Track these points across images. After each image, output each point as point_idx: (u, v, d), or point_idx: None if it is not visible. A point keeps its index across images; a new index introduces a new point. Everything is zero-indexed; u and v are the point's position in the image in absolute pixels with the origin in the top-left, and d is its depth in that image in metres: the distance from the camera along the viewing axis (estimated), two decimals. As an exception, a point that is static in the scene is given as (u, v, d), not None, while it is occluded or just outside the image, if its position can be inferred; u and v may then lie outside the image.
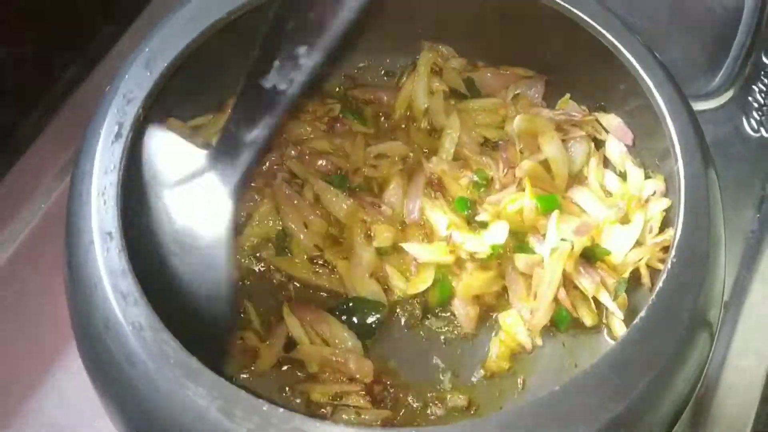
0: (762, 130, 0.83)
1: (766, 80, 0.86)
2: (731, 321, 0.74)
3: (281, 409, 0.49)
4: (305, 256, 0.72)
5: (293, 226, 0.72)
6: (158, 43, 0.60)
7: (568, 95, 0.76)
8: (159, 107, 0.60)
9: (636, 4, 0.89)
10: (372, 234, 0.71)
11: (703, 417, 0.70)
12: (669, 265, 0.56)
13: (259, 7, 0.63)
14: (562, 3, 0.66)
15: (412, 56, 0.80)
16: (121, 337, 0.51)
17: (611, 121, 0.74)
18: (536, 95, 0.79)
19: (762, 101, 0.85)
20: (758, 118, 0.84)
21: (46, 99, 0.82)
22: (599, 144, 0.75)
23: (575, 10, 0.66)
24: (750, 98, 0.85)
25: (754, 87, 0.86)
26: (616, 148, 0.74)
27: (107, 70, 0.83)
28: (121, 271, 0.53)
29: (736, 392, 0.67)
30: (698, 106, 0.82)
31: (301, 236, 0.71)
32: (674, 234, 0.57)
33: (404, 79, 0.80)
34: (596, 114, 0.75)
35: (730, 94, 0.85)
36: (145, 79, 0.59)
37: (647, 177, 0.71)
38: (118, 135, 0.57)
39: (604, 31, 0.64)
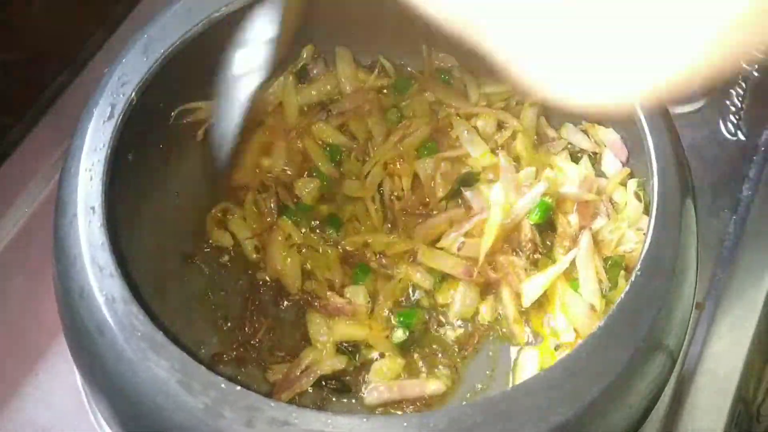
0: (739, 133, 0.84)
1: (743, 84, 0.87)
2: (706, 322, 0.74)
3: (238, 387, 0.51)
4: None
5: None
6: (157, 30, 0.63)
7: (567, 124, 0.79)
8: (152, 92, 0.62)
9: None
10: None
11: (676, 417, 0.71)
12: (633, 278, 0.57)
13: (258, 2, 0.65)
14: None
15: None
16: (93, 307, 0.54)
17: (609, 135, 0.75)
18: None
19: (739, 105, 0.86)
20: (735, 121, 0.85)
21: (36, 105, 0.84)
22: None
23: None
24: (727, 102, 0.86)
25: (731, 91, 0.87)
26: (611, 164, 0.75)
27: (91, 76, 0.85)
28: (100, 244, 0.55)
29: (709, 392, 0.68)
30: (676, 109, 0.83)
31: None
32: (642, 248, 0.58)
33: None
34: (595, 125, 0.76)
35: (708, 98, 0.86)
36: (141, 64, 0.61)
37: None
38: (110, 116, 0.60)
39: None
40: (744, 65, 0.88)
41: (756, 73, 0.88)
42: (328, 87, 0.81)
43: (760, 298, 0.75)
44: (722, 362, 0.71)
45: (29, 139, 0.82)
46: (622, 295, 0.56)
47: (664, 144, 0.62)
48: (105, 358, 0.53)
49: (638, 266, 0.57)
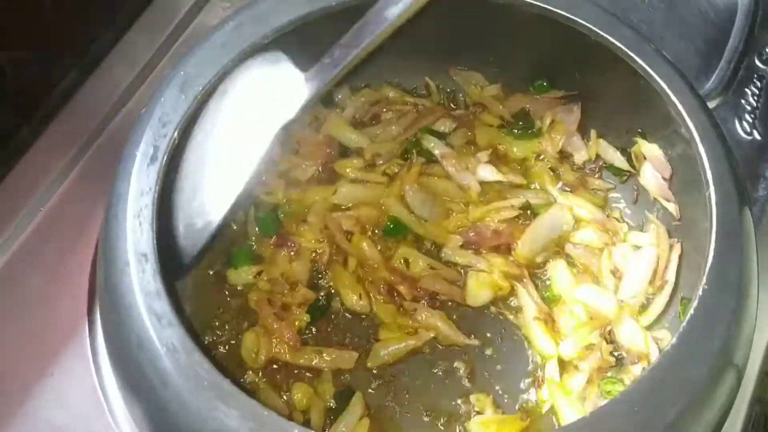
0: (754, 132, 0.84)
1: (758, 83, 0.87)
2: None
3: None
4: None
5: None
6: (193, 67, 0.61)
7: (596, 137, 0.78)
8: (190, 129, 0.61)
9: (631, 9, 0.90)
10: None
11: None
12: (700, 292, 0.56)
13: (290, 32, 0.64)
14: (594, 28, 0.66)
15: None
16: (154, 358, 0.52)
17: (652, 151, 0.74)
18: (572, 121, 0.79)
19: (754, 104, 0.85)
20: (750, 120, 0.84)
21: (45, 104, 0.82)
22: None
23: (611, 38, 0.66)
24: (743, 101, 0.86)
25: (746, 90, 0.86)
26: (651, 179, 0.74)
27: (104, 76, 0.85)
28: (155, 293, 0.54)
29: None
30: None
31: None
32: (706, 262, 0.57)
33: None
34: (637, 140, 0.75)
35: (723, 97, 0.86)
36: (180, 103, 0.60)
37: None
38: (153, 158, 0.58)
39: (635, 56, 0.65)
40: (760, 64, 0.88)
41: (772, 72, 0.88)
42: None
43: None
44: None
45: (41, 140, 0.81)
46: (692, 311, 0.55)
47: (717, 152, 0.61)
48: (169, 410, 0.52)
49: (704, 280, 0.56)
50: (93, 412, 0.67)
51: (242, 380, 0.68)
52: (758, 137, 0.84)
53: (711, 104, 0.85)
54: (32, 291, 0.73)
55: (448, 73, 0.83)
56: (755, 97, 0.86)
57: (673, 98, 0.63)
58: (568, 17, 0.66)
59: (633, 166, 0.77)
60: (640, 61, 0.64)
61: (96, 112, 0.82)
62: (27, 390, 0.68)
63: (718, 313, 0.55)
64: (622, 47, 0.64)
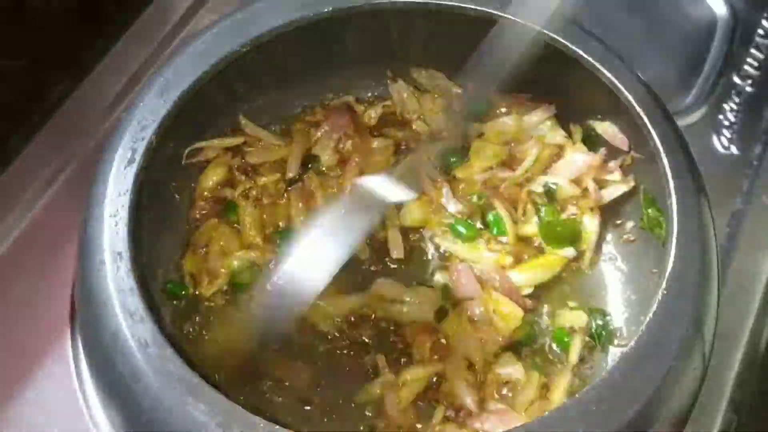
0: (732, 147, 0.86)
1: (736, 99, 0.89)
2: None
3: (277, 426, 0.51)
4: None
5: None
6: (172, 73, 0.63)
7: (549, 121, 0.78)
8: (168, 134, 0.62)
9: (611, 25, 0.90)
10: None
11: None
12: (660, 297, 0.57)
13: (269, 41, 0.66)
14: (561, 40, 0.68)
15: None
16: (127, 353, 0.54)
17: (606, 128, 0.75)
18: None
19: (732, 119, 0.87)
20: (729, 135, 0.86)
21: (37, 112, 0.84)
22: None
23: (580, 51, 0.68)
24: (721, 116, 0.88)
25: (725, 106, 0.88)
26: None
27: (93, 85, 0.86)
28: (129, 290, 0.55)
29: (702, 397, 0.68)
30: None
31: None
32: (666, 266, 0.59)
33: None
34: (591, 122, 0.76)
35: (701, 112, 0.88)
36: (159, 107, 0.62)
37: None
38: (131, 160, 0.60)
39: (603, 69, 0.67)
40: (738, 81, 0.90)
41: (749, 88, 0.90)
42: None
43: (751, 312, 0.76)
44: (714, 372, 0.71)
45: (30, 147, 0.82)
46: (650, 315, 0.56)
47: (679, 163, 0.63)
48: (141, 404, 0.53)
49: (664, 285, 0.58)
50: (73, 416, 0.67)
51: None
52: (735, 152, 0.86)
53: (690, 119, 0.88)
54: (16, 296, 0.74)
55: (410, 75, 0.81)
56: (733, 113, 0.88)
57: (639, 110, 0.65)
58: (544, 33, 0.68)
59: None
60: (608, 74, 0.66)
61: (84, 121, 0.84)
62: (9, 393, 0.69)
63: (677, 317, 0.57)
64: (590, 60, 0.66)
